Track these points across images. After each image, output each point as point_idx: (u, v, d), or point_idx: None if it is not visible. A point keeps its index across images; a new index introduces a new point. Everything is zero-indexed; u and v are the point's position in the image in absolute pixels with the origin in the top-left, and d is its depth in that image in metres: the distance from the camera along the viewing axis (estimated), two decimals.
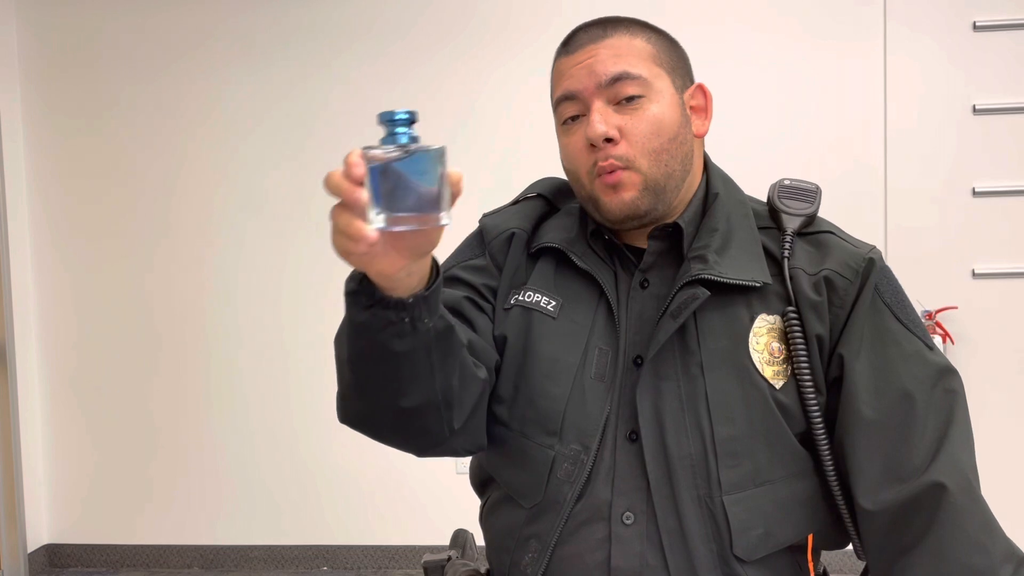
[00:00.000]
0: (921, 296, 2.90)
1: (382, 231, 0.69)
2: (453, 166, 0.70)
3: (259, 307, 3.24)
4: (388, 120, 0.69)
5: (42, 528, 3.36)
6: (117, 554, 3.34)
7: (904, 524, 0.91)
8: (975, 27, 2.90)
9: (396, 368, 0.83)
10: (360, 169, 0.67)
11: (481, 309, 1.02)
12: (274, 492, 3.27)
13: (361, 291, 0.78)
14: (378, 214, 0.68)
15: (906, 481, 0.90)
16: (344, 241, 0.70)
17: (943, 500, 0.88)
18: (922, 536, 0.89)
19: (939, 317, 2.90)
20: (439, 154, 0.69)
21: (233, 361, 3.25)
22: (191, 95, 3.22)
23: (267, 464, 3.26)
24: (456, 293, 1.01)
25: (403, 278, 0.76)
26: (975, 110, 2.91)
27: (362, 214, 0.68)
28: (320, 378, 3.14)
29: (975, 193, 2.92)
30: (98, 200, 3.28)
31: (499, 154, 3.02)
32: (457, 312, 0.98)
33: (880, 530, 0.92)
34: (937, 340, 2.86)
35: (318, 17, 3.16)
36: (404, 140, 0.69)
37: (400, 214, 0.68)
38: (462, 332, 0.94)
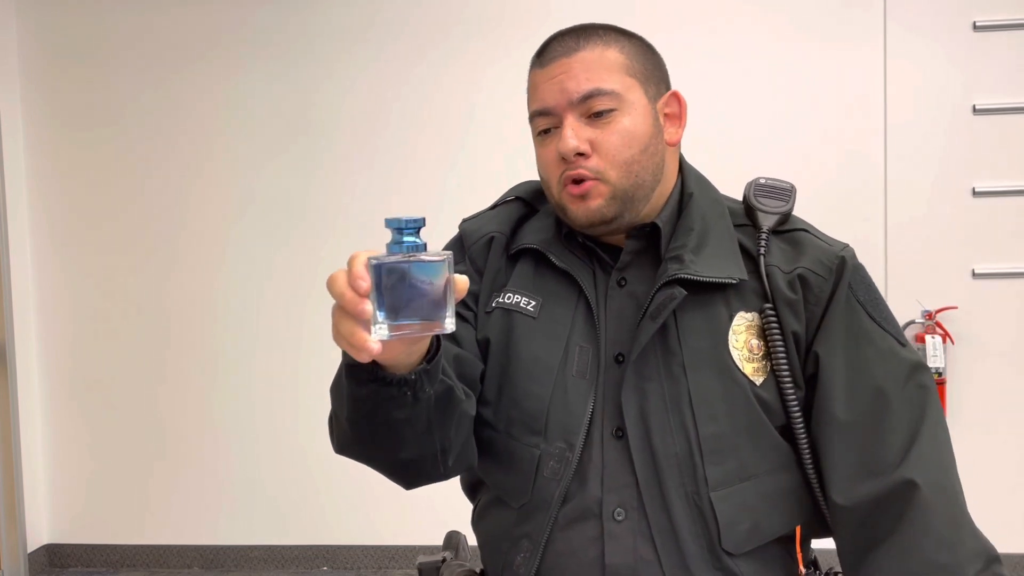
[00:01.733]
0: (921, 296, 2.90)
1: (384, 340, 0.68)
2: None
3: (260, 306, 3.24)
4: (396, 227, 0.69)
5: (42, 528, 3.36)
6: (117, 554, 3.34)
7: (874, 520, 0.92)
8: (975, 27, 2.89)
9: (395, 431, 0.85)
10: (366, 283, 0.67)
11: (464, 319, 1.04)
12: (274, 492, 3.27)
13: (361, 368, 0.78)
14: (381, 322, 0.67)
15: (879, 476, 0.92)
16: (346, 346, 0.70)
17: (913, 497, 0.90)
18: (891, 532, 0.90)
19: (939, 317, 2.90)
20: (445, 263, 0.68)
21: (233, 362, 3.26)
22: (191, 96, 3.22)
23: (267, 464, 3.26)
24: None
25: (403, 358, 0.77)
26: (975, 110, 2.90)
27: (365, 324, 0.68)
28: (321, 379, 3.13)
29: (975, 193, 2.92)
30: (98, 201, 3.28)
31: (496, 154, 3.01)
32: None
33: (851, 525, 0.94)
34: (937, 340, 2.86)
35: (321, 19, 3.16)
36: (411, 248, 0.69)
37: (403, 322, 0.68)
38: (455, 358, 0.96)
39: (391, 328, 0.68)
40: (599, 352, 0.98)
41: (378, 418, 0.83)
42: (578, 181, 0.96)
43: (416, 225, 0.69)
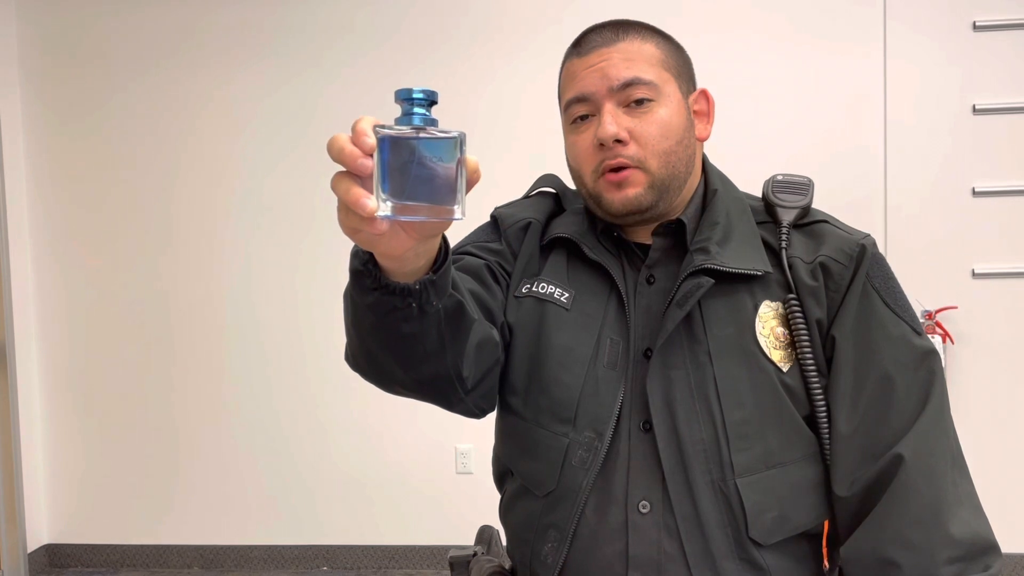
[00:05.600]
0: (921, 296, 2.90)
1: (389, 220, 0.63)
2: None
3: (261, 306, 3.24)
4: (406, 98, 0.64)
5: (42, 528, 3.36)
6: (117, 554, 3.35)
7: (867, 502, 0.93)
8: (975, 27, 2.90)
9: (405, 346, 0.83)
10: (370, 139, 0.62)
11: (497, 282, 1.04)
12: (274, 492, 3.27)
13: (366, 272, 0.76)
14: (386, 200, 0.62)
15: (877, 459, 0.93)
16: (350, 218, 0.65)
17: (897, 472, 0.91)
18: (873, 506, 0.92)
19: (939, 317, 2.91)
20: (458, 140, 0.63)
21: (234, 361, 3.26)
22: (192, 95, 3.22)
23: (267, 464, 3.26)
24: (477, 261, 1.03)
25: (411, 259, 0.73)
26: (974, 110, 2.91)
27: (367, 185, 0.63)
28: (320, 378, 3.14)
29: (975, 193, 2.92)
30: (98, 200, 3.28)
31: (495, 154, 3.02)
32: (477, 276, 1.00)
33: (850, 511, 0.95)
34: (937, 340, 2.86)
35: (324, 17, 3.16)
36: (420, 121, 0.63)
37: (410, 203, 0.62)
38: (472, 291, 0.95)
39: (396, 208, 0.62)
40: (629, 347, 0.99)
41: (385, 330, 0.80)
42: (616, 169, 0.97)
43: (429, 98, 0.64)
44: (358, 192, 0.62)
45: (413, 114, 0.63)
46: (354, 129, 0.63)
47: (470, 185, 0.65)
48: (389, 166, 0.62)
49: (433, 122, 0.64)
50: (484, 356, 0.93)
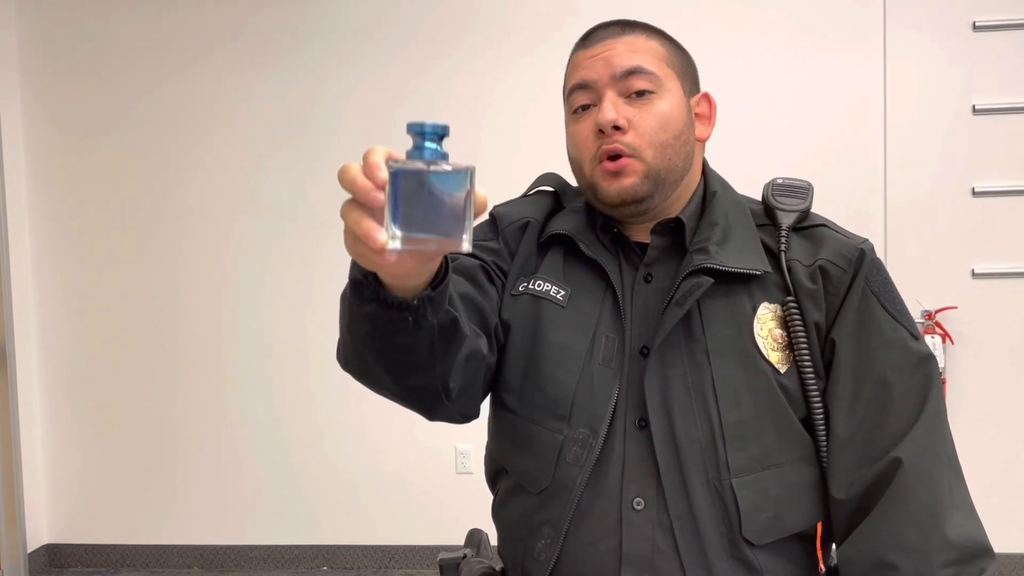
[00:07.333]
0: (921, 296, 2.90)
1: (398, 252, 0.64)
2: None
3: (261, 306, 3.24)
4: (418, 132, 0.65)
5: (42, 528, 3.36)
6: (117, 554, 3.35)
7: (864, 505, 0.93)
8: (975, 27, 2.90)
9: (397, 357, 0.84)
10: (383, 173, 0.62)
11: (491, 282, 1.04)
12: (274, 492, 3.27)
13: (365, 284, 0.76)
14: (395, 232, 0.63)
15: (874, 463, 0.93)
16: (358, 247, 0.66)
17: (895, 475, 0.91)
18: (870, 509, 0.92)
19: (939, 317, 2.91)
20: (468, 173, 0.64)
21: (234, 361, 3.26)
22: (192, 96, 3.22)
23: (268, 464, 3.26)
24: (471, 261, 1.03)
25: (412, 277, 0.74)
26: (975, 110, 2.91)
27: (378, 216, 0.64)
28: (320, 379, 3.14)
29: (975, 193, 2.92)
30: (97, 201, 3.28)
31: (507, 156, 3.02)
32: (471, 278, 1.00)
33: (847, 514, 0.95)
34: (937, 340, 2.86)
35: (326, 19, 3.16)
36: (432, 155, 0.64)
37: (419, 235, 0.63)
38: (464, 293, 0.95)
39: (405, 240, 0.63)
40: (624, 344, 0.99)
41: (380, 339, 0.81)
42: (613, 157, 0.98)
43: (440, 132, 0.65)
44: (369, 225, 0.63)
45: (425, 148, 0.64)
46: (366, 161, 0.63)
47: (476, 217, 0.66)
48: (400, 199, 0.63)
49: (444, 156, 0.65)
50: (471, 368, 0.93)
